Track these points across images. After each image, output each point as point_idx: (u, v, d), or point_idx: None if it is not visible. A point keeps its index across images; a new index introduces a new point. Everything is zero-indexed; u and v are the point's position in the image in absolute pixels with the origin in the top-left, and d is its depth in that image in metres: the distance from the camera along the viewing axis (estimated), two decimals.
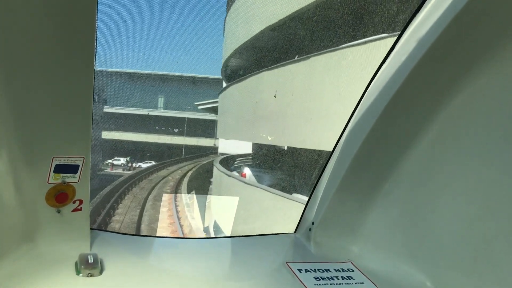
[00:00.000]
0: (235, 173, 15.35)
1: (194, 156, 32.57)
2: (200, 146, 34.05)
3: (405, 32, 1.56)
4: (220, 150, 24.00)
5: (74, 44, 1.13)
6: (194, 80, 37.55)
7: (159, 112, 36.61)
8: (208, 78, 36.11)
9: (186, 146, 33.92)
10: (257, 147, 18.87)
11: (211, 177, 17.58)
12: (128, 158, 30.14)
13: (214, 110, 27.74)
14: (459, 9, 1.29)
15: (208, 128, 34.40)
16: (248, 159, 19.47)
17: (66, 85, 1.20)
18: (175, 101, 37.79)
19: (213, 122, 33.69)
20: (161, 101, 37.92)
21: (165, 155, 34.08)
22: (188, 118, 34.74)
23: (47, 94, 1.20)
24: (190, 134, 34.73)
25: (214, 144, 33.48)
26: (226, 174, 14.22)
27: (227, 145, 21.38)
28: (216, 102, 26.06)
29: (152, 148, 33.18)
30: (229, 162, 18.64)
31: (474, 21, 1.32)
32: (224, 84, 20.18)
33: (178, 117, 35.07)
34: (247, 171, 15.93)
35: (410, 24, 1.53)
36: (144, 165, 30.52)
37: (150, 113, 35.30)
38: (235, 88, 15.44)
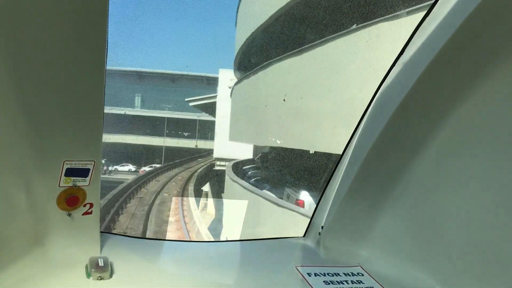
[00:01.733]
0: (267, 193, 10.55)
1: (183, 161, 31.41)
2: (181, 147, 33.86)
3: (414, 36, 1.64)
4: (216, 154, 21.19)
5: (85, 48, 1.20)
6: (173, 78, 37.33)
7: (137, 112, 36.31)
8: (191, 75, 35.96)
9: (167, 148, 33.65)
10: (270, 150, 14.70)
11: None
12: (103, 161, 29.69)
13: (206, 107, 26.53)
14: (469, 13, 1.36)
15: (189, 128, 34.21)
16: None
17: (77, 89, 1.27)
18: (154, 99, 37.51)
19: (195, 122, 33.54)
20: (138, 99, 37.61)
21: (144, 157, 33.75)
22: (168, 118, 34.56)
23: (58, 99, 1.27)
24: (171, 135, 34.51)
25: (196, 146, 33.36)
26: (277, 205, 9.23)
27: (225, 148, 18.69)
28: (208, 98, 24.72)
29: (129, 149, 32.83)
30: (249, 175, 14.27)
31: (484, 24, 1.39)
32: (226, 76, 17.73)
33: (157, 117, 34.84)
34: (305, 196, 10.28)
35: (419, 28, 1.62)
36: (121, 168, 30.21)
37: (127, 113, 34.97)
38: (273, 71, 10.97)
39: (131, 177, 24.65)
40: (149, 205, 18.15)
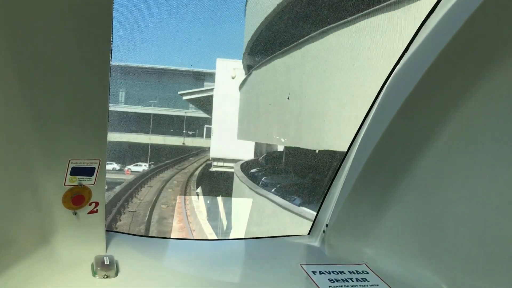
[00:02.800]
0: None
1: (174, 161, 30.37)
2: (167, 145, 33.67)
3: (419, 34, 1.68)
4: (212, 154, 19.21)
5: (90, 48, 1.25)
6: (159, 73, 37.08)
7: (121, 108, 36.02)
8: (180, 70, 35.70)
9: (153, 145, 33.43)
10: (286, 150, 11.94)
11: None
12: None
13: (199, 102, 25.53)
14: (473, 10, 1.40)
15: (176, 125, 33.99)
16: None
17: (82, 89, 1.32)
18: (138, 95, 37.23)
19: (182, 119, 33.34)
20: (122, 95, 37.30)
21: (128, 156, 33.47)
22: (154, 114, 34.36)
23: (64, 98, 1.32)
24: (157, 132, 34.27)
25: (183, 143, 33.20)
26: None
27: (224, 148, 17.32)
28: (203, 91, 23.59)
29: (114, 147, 32.50)
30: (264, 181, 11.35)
31: (488, 22, 1.44)
32: (228, 67, 16.69)
33: (142, 113, 34.62)
34: None
35: (424, 26, 1.66)
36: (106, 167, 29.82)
37: (111, 109, 34.61)
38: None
39: (116, 177, 24.01)
40: (146, 224, 15.50)
